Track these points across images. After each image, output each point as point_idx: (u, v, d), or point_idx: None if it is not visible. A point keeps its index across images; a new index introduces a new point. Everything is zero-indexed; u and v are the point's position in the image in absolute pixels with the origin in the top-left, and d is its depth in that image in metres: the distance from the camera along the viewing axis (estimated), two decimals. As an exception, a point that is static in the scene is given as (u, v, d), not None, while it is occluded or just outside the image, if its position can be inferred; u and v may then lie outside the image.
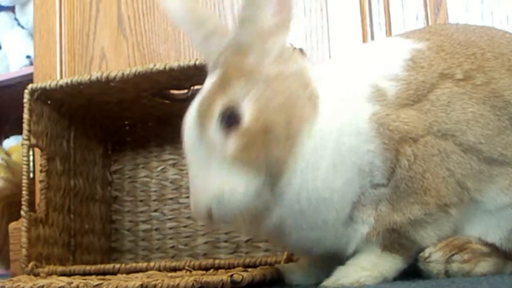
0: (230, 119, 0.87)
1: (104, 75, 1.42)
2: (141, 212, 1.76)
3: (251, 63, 0.91)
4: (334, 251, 0.94)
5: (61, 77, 1.89)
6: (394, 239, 0.92)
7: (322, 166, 0.89)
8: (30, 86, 1.50)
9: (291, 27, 0.95)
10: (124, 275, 1.33)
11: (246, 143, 0.87)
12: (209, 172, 0.87)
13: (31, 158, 1.52)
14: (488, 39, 0.98)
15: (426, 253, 0.93)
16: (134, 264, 1.41)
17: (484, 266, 0.94)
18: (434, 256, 0.93)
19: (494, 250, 0.95)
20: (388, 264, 0.93)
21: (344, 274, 0.92)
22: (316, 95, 0.91)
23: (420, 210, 0.90)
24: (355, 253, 0.94)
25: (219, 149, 0.87)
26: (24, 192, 1.44)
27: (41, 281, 1.02)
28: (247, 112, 0.87)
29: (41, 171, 1.51)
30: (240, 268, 1.25)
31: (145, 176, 1.77)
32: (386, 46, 1.03)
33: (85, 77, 1.44)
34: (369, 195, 0.90)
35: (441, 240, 0.93)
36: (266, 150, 0.86)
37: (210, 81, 0.93)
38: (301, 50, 1.26)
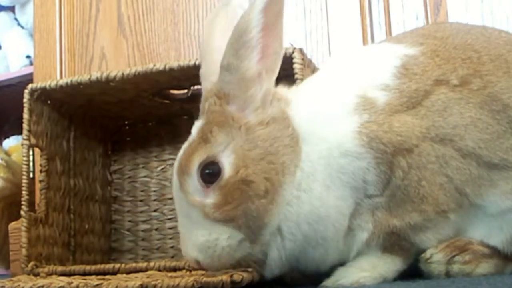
0: (209, 174, 0.88)
1: (104, 75, 1.42)
2: (141, 212, 1.76)
3: (233, 112, 0.91)
4: (338, 261, 0.94)
5: (61, 77, 1.89)
6: (394, 241, 0.92)
7: (316, 188, 0.89)
8: (30, 86, 1.50)
9: (276, 72, 0.93)
10: (124, 275, 1.33)
11: (225, 199, 0.87)
12: (193, 224, 0.89)
13: (31, 158, 1.51)
14: (485, 41, 0.97)
15: (428, 254, 0.93)
16: (134, 264, 1.41)
17: (485, 267, 0.94)
18: (436, 257, 0.93)
19: (495, 251, 0.95)
20: (387, 265, 0.93)
21: (344, 274, 0.92)
22: (297, 131, 0.91)
23: (419, 217, 0.90)
24: (355, 255, 0.94)
25: (198, 205, 0.88)
26: (24, 192, 1.44)
27: (41, 281, 1.02)
28: (227, 165, 0.88)
29: (41, 171, 1.51)
30: (240, 268, 1.25)
31: (145, 176, 1.77)
32: (375, 54, 1.01)
33: (85, 77, 1.44)
34: (364, 205, 0.91)
35: (441, 242, 0.93)
36: (244, 205, 0.87)
37: (195, 128, 0.94)
38: (301, 50, 1.27)
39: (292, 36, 1.63)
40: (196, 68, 1.34)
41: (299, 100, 0.96)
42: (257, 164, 0.87)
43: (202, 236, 0.88)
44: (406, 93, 0.92)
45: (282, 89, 0.98)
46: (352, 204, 0.90)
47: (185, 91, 1.53)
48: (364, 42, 1.55)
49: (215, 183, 0.88)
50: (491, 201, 0.92)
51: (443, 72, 0.93)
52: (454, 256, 0.93)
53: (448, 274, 0.93)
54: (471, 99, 0.91)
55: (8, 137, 2.86)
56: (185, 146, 0.93)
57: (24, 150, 1.48)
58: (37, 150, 1.52)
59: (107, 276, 1.30)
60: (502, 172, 0.91)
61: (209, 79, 0.96)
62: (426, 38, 0.98)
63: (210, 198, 0.88)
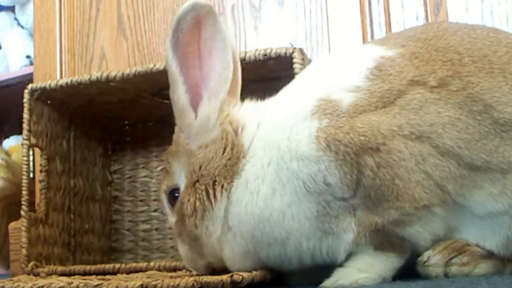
0: (172, 198, 1.02)
1: (104, 75, 1.42)
2: (141, 212, 1.76)
3: (182, 140, 1.01)
4: (316, 263, 0.95)
5: (61, 77, 1.89)
6: (382, 238, 0.91)
7: (262, 190, 0.93)
8: (30, 86, 1.50)
9: (222, 94, 0.99)
10: (124, 275, 1.33)
11: (177, 218, 1.00)
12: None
13: (31, 158, 1.52)
14: (469, 42, 0.96)
15: (425, 256, 0.93)
16: (134, 264, 1.41)
17: (484, 267, 0.93)
18: (433, 260, 0.92)
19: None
20: (383, 263, 0.93)
21: (343, 275, 0.92)
22: (239, 149, 0.96)
23: (397, 213, 0.89)
24: (350, 256, 0.94)
25: (171, 224, 1.03)
26: (24, 192, 1.44)
27: (41, 281, 1.02)
28: (182, 188, 1.00)
29: (41, 171, 1.51)
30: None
31: (145, 176, 1.77)
32: (350, 56, 1.01)
33: (85, 77, 1.44)
34: (337, 207, 0.90)
35: (434, 236, 0.92)
36: (182, 223, 0.99)
37: None
38: (301, 50, 1.27)
39: (292, 36, 1.63)
40: (196, 68, 1.35)
41: (264, 110, 1.01)
42: (191, 186, 0.97)
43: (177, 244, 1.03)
44: (377, 93, 0.91)
45: (243, 108, 1.03)
46: (311, 208, 0.90)
47: (185, 91, 1.53)
48: (364, 42, 1.55)
49: (174, 206, 1.02)
50: (476, 201, 0.91)
51: (420, 73, 0.92)
52: (451, 258, 0.92)
53: (446, 276, 0.93)
54: (450, 100, 0.90)
55: (8, 137, 2.87)
56: None
57: (24, 150, 1.48)
58: (37, 150, 1.52)
59: (107, 276, 1.30)
60: (487, 174, 0.90)
61: None
62: (409, 40, 0.98)
63: (173, 218, 1.02)
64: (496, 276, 0.91)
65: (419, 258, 0.93)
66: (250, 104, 1.04)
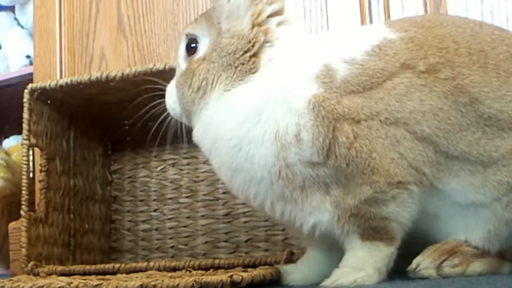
0: (189, 46, 1.06)
1: (104, 75, 1.42)
2: (141, 212, 1.76)
3: (215, 15, 1.03)
4: (297, 227, 0.96)
5: (61, 77, 1.89)
6: (364, 225, 0.91)
7: (243, 111, 0.95)
8: (30, 86, 1.50)
9: None
10: (124, 275, 1.33)
11: (184, 73, 1.04)
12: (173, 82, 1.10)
13: (31, 157, 1.51)
14: (471, 35, 0.96)
15: (414, 264, 0.93)
16: (134, 264, 1.41)
17: (478, 265, 0.93)
18: (423, 264, 0.92)
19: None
20: (374, 254, 0.93)
21: (341, 275, 0.92)
22: (256, 61, 0.97)
23: (370, 190, 0.89)
24: (342, 244, 0.94)
25: (181, 64, 1.07)
26: (24, 192, 1.44)
27: (40, 281, 1.02)
28: (200, 51, 1.04)
29: (41, 171, 1.51)
30: (240, 268, 1.25)
31: (144, 176, 1.77)
32: (360, 32, 1.03)
33: (85, 77, 1.44)
34: (305, 177, 0.91)
35: (412, 217, 0.92)
36: (184, 89, 1.03)
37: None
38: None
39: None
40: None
41: (301, 45, 1.00)
42: (208, 64, 1.01)
43: (169, 89, 1.10)
44: (370, 71, 0.92)
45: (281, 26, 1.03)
46: (269, 156, 0.92)
47: (185, 91, 1.53)
48: (364, 42, 1.54)
49: (190, 57, 1.05)
50: (454, 189, 0.92)
51: (412, 57, 0.93)
52: (443, 261, 0.92)
53: (441, 276, 0.92)
54: (435, 88, 0.91)
55: (8, 137, 2.86)
56: None
57: (24, 150, 1.48)
58: (37, 150, 1.52)
59: (107, 276, 1.30)
60: (465, 164, 0.91)
61: None
62: (413, 26, 0.99)
63: (181, 66, 1.06)
64: (496, 276, 0.91)
65: (409, 267, 0.93)
66: (299, 34, 1.04)
